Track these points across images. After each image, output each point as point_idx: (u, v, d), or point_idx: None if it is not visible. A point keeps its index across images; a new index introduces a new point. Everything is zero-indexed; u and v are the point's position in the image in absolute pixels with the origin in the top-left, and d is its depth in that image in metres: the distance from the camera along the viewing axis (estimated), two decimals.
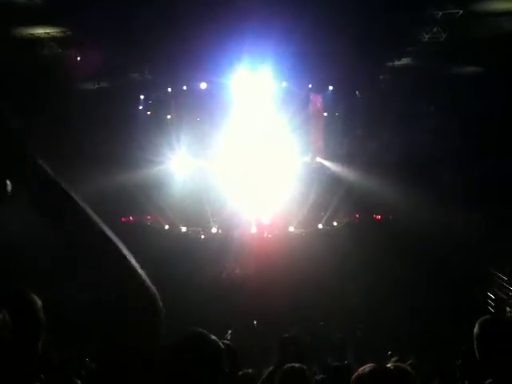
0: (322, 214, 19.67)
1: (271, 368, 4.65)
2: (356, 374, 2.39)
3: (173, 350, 2.05)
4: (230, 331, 13.15)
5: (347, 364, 7.62)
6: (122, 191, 17.65)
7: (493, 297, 15.36)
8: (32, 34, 15.08)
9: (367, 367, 2.37)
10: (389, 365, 3.02)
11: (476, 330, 2.86)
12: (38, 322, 2.07)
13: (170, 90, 19.54)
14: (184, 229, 19.77)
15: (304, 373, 4.02)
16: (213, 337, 2.15)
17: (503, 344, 2.75)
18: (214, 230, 19.72)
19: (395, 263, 16.03)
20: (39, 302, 2.11)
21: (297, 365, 4.14)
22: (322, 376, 4.71)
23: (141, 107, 19.88)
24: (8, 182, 1.21)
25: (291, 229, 19.58)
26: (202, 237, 19.83)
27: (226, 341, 4.16)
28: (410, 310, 14.33)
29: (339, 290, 15.88)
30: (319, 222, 19.70)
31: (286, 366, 4.07)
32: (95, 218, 1.25)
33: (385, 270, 15.98)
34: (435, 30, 14.81)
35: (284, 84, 18.66)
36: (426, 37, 15.05)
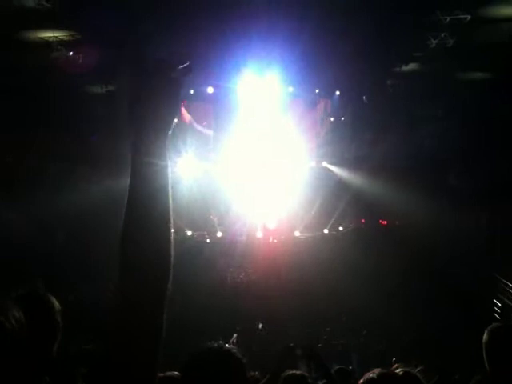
0: (328, 219, 19.63)
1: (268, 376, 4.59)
2: (363, 379, 2.36)
3: (195, 364, 2.01)
4: (235, 335, 13.14)
5: (351, 368, 7.60)
6: None
7: (499, 304, 15.28)
8: (40, 38, 15.14)
9: (374, 372, 2.35)
10: (397, 370, 2.99)
11: (485, 337, 2.82)
12: (55, 324, 2.06)
13: None
14: (189, 233, 19.77)
15: (305, 379, 3.98)
16: (235, 350, 2.11)
17: None
18: (219, 235, 19.71)
19: (401, 268, 15.98)
20: (57, 304, 2.11)
21: (298, 372, 4.10)
22: (324, 381, 4.67)
23: None
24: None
25: (297, 234, 19.55)
26: (208, 241, 19.82)
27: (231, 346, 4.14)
28: (414, 316, 14.26)
29: (345, 295, 15.84)
30: (325, 227, 19.67)
31: (286, 373, 4.03)
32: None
33: (390, 275, 15.93)
34: (443, 35, 14.78)
35: (291, 89, 18.67)
36: (434, 42, 15.02)
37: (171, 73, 1.34)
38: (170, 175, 1.36)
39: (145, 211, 1.31)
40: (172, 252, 1.34)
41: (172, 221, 1.36)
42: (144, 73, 1.32)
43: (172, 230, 1.36)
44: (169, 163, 1.37)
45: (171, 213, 1.35)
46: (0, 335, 1.18)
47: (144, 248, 1.29)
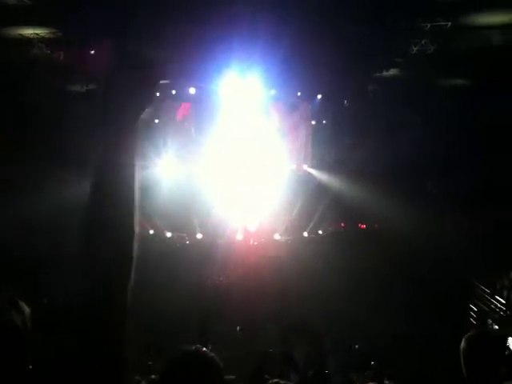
0: (308, 222, 19.66)
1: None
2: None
3: (173, 368, 2.06)
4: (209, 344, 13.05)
5: (327, 372, 7.62)
6: None
7: (475, 309, 15.44)
8: (21, 35, 14.96)
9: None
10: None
11: (463, 345, 2.83)
12: (25, 331, 2.01)
13: (158, 94, 19.45)
14: (169, 234, 19.65)
15: None
16: (211, 354, 2.13)
17: (490, 359, 2.73)
18: (199, 236, 19.63)
19: (379, 272, 16.07)
20: (27, 310, 2.06)
21: (282, 381, 4.10)
22: None
23: None
24: None
25: (277, 236, 19.55)
26: (187, 242, 19.73)
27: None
28: (393, 319, 14.35)
29: (324, 297, 15.88)
30: (305, 230, 19.70)
31: (270, 382, 4.03)
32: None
33: (370, 278, 16.01)
34: (423, 41, 14.92)
35: (272, 91, 18.67)
36: (415, 49, 15.16)
37: (148, 72, 1.32)
38: (137, 176, 1.33)
39: (110, 213, 1.30)
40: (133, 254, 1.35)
41: (137, 221, 1.34)
42: (119, 67, 1.31)
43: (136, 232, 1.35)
44: (137, 163, 1.33)
45: (136, 213, 1.33)
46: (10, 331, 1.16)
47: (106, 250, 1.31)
